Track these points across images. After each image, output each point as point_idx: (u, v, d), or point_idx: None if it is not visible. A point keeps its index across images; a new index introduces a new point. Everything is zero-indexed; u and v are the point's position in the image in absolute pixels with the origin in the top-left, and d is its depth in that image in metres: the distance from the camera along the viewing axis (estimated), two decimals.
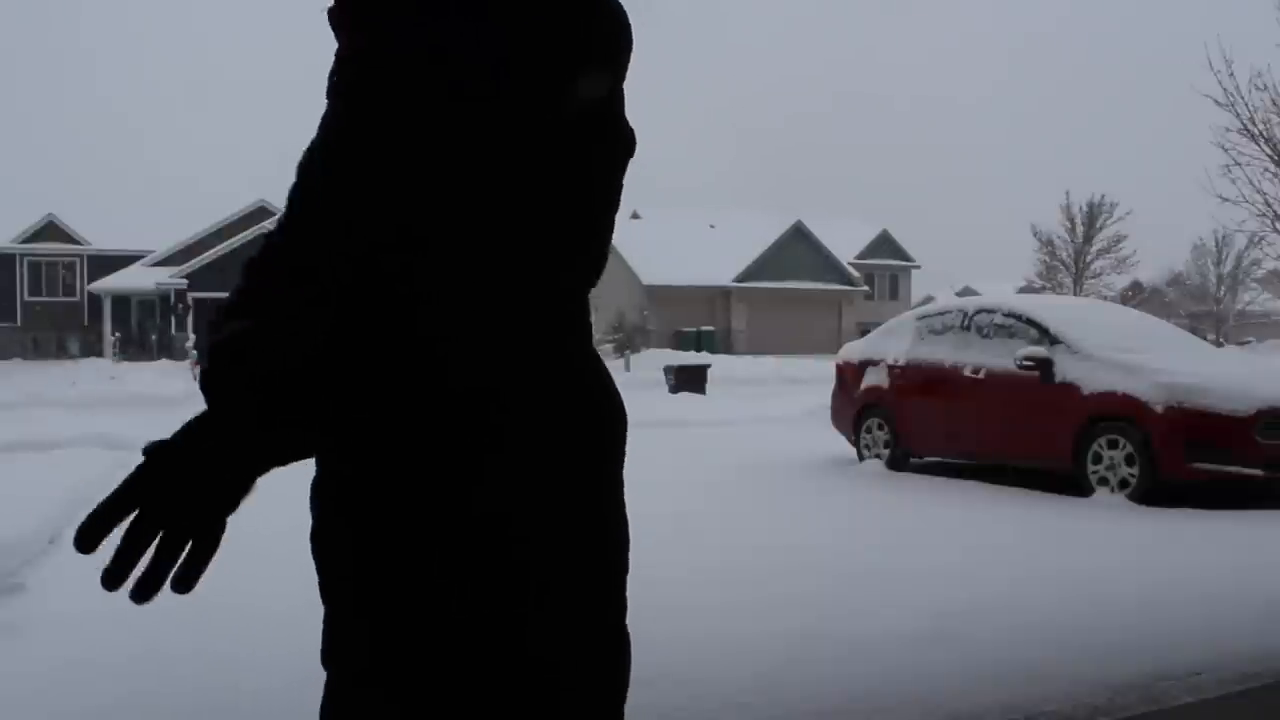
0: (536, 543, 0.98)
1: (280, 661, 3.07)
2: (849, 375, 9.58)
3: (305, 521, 1.04)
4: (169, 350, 31.24)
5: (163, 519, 0.91)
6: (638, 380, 23.11)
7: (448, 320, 0.92)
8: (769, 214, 46.00)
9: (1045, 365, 7.45)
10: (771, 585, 4.49)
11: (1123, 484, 6.87)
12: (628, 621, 1.07)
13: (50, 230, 37.69)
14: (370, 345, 0.90)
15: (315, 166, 0.97)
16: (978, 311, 8.46)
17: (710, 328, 40.85)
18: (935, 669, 3.35)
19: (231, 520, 0.94)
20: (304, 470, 1.01)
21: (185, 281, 31.77)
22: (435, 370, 0.93)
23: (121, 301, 34.91)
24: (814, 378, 19.40)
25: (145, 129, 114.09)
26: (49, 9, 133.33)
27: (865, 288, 46.97)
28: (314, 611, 1.03)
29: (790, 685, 3.20)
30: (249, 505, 0.94)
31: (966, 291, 57.88)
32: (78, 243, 37.84)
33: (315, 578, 1.03)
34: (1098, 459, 7.04)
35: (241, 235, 32.83)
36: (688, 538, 5.77)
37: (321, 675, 1.02)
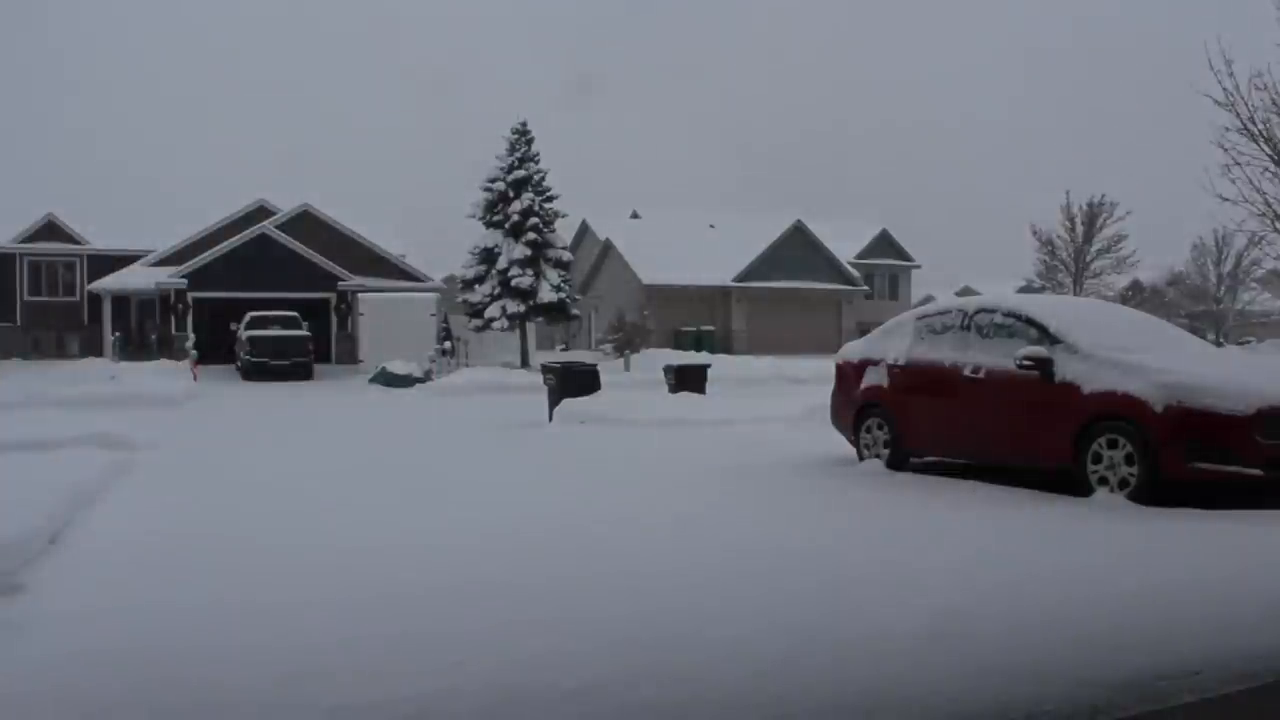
0: None
1: (277, 658, 3.08)
2: (849, 375, 9.58)
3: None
4: (169, 350, 31.25)
5: None
6: (638, 380, 23.12)
7: None
8: (769, 213, 45.99)
9: (1045, 365, 7.45)
10: (771, 585, 4.50)
11: (1123, 484, 6.87)
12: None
13: (50, 230, 37.67)
14: None
15: None
16: (978, 311, 8.46)
17: (710, 327, 40.86)
18: (935, 669, 3.35)
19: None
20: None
21: (185, 281, 31.77)
22: None
23: (121, 301, 34.87)
24: (814, 378, 19.40)
25: (145, 128, 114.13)
26: (49, 8, 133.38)
27: (865, 288, 46.97)
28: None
29: (790, 685, 3.20)
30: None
31: (966, 291, 57.85)
32: (77, 242, 37.81)
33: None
34: (1098, 459, 7.04)
35: (241, 235, 32.86)
36: (688, 537, 5.78)
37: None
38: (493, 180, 33.02)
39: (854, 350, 9.81)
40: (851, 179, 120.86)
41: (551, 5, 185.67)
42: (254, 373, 27.61)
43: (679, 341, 38.62)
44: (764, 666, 3.36)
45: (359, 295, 32.60)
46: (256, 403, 20.58)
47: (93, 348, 34.96)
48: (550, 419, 13.92)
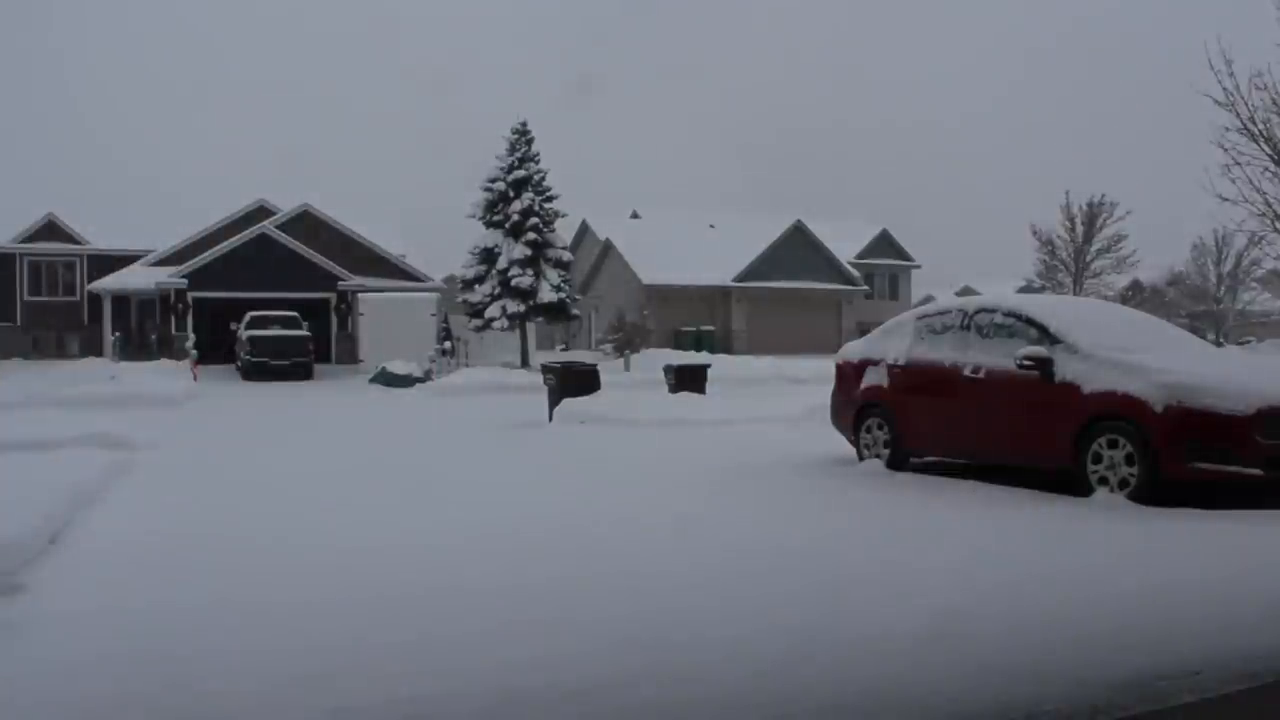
0: None
1: (278, 659, 3.08)
2: (849, 375, 9.58)
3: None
4: (169, 350, 31.25)
5: None
6: (638, 380, 23.11)
7: None
8: (769, 213, 46.01)
9: (1045, 365, 7.45)
10: (771, 584, 4.50)
11: (1123, 484, 6.87)
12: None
13: (50, 230, 37.67)
14: None
15: None
16: (978, 311, 8.46)
17: (710, 327, 40.87)
18: (935, 669, 3.35)
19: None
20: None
21: (185, 281, 31.77)
22: None
23: (121, 301, 34.88)
24: (814, 378, 19.40)
25: (145, 128, 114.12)
26: (49, 8, 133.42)
27: (865, 287, 46.97)
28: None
29: (790, 685, 3.20)
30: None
31: (966, 291, 57.85)
32: (77, 242, 37.81)
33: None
34: (1098, 459, 7.04)
35: (241, 235, 32.85)
36: (688, 537, 5.78)
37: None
38: (493, 180, 33.02)
39: (854, 350, 9.81)
40: (851, 178, 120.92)
41: (551, 5, 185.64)
42: (254, 373, 27.61)
43: (679, 341, 38.62)
44: (764, 666, 3.36)
45: (359, 295, 32.60)
46: (256, 403, 20.58)
47: (93, 348, 34.96)
48: (550, 419, 13.92)
